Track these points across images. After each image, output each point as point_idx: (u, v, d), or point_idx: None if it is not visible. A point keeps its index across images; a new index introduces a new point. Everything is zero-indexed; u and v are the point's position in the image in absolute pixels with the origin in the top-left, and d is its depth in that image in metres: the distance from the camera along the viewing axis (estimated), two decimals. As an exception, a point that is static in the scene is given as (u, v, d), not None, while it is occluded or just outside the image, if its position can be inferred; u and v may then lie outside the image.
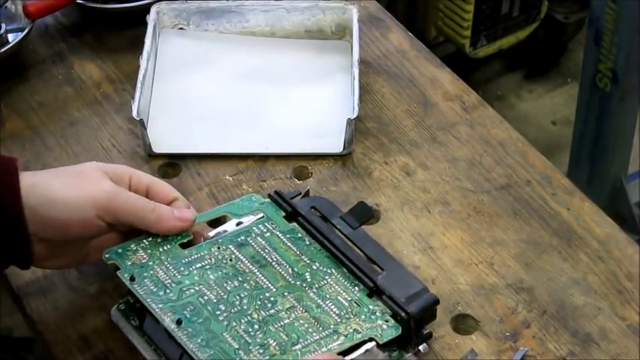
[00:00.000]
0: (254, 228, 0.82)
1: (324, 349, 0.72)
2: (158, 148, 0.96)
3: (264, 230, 0.82)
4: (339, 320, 0.75)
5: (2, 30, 1.03)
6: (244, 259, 0.79)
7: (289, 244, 0.81)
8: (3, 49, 1.02)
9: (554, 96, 2.28)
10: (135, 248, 0.79)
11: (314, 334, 0.73)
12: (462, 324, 0.83)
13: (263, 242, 0.81)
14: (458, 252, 0.88)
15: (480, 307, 0.84)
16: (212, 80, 1.04)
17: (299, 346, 0.73)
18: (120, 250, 0.79)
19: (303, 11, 1.06)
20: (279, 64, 1.05)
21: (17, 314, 0.87)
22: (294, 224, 0.83)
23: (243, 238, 0.81)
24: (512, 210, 0.91)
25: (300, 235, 0.82)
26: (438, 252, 0.88)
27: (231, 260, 0.79)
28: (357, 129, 0.97)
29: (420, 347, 0.80)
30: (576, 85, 1.93)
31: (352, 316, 0.75)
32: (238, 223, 0.84)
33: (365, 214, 0.86)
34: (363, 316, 0.76)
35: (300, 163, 0.95)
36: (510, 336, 0.82)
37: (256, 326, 0.74)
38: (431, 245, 0.88)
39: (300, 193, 0.87)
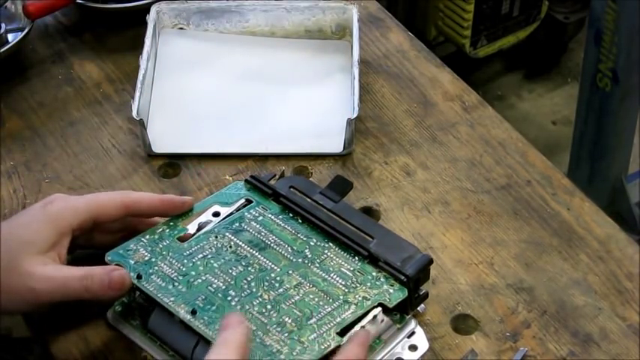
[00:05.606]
0: (246, 214, 0.83)
1: (338, 320, 0.75)
2: (158, 148, 0.96)
3: (256, 214, 0.83)
4: (346, 290, 0.77)
5: (2, 30, 1.03)
6: (243, 245, 0.80)
7: (283, 224, 0.82)
8: (3, 49, 1.02)
9: (554, 96, 2.28)
10: (135, 247, 0.80)
11: (326, 307, 0.76)
12: (462, 324, 0.83)
13: (258, 226, 0.82)
14: (458, 252, 0.88)
15: (480, 307, 0.84)
16: (212, 80, 1.04)
17: (314, 320, 0.75)
18: (121, 251, 0.80)
19: (303, 11, 1.06)
20: (279, 64, 1.05)
21: (17, 314, 0.87)
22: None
23: (237, 224, 0.82)
24: (512, 210, 0.91)
25: (291, 214, 0.83)
26: (438, 252, 0.88)
27: (230, 247, 0.80)
28: (357, 129, 0.97)
29: (419, 308, 0.81)
30: (576, 85, 1.93)
31: (358, 285, 0.77)
32: (215, 214, 0.85)
33: (344, 186, 0.87)
34: (368, 284, 0.78)
35: (300, 163, 0.95)
36: (510, 336, 0.82)
37: (269, 306, 0.75)
38: (431, 245, 0.88)
39: (274, 175, 0.89)
